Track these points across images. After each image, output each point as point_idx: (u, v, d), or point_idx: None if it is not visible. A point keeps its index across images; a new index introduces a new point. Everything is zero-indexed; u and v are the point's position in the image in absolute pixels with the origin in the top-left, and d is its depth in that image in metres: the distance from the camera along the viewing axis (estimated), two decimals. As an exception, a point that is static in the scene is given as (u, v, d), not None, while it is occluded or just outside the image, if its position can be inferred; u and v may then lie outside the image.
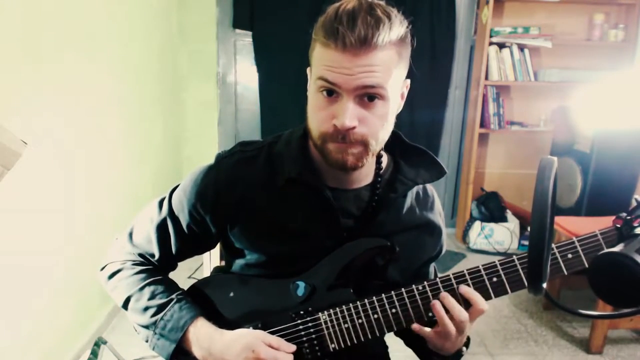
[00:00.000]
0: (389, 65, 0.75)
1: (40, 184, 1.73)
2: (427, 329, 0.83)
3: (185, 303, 0.89)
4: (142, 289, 0.91)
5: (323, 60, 0.76)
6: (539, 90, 3.54)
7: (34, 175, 1.66)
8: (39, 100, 1.69)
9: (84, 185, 2.05)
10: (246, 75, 3.53)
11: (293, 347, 0.84)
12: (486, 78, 3.36)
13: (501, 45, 3.37)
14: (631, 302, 0.61)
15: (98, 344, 1.62)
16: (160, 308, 0.89)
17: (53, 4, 1.76)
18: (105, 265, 0.98)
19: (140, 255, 0.96)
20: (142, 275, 0.93)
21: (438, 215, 0.98)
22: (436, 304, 0.81)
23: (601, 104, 2.92)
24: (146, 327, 0.90)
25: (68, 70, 1.88)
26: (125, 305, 0.93)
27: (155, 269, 0.96)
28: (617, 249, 0.65)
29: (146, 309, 0.90)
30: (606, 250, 0.67)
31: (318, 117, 0.79)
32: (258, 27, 3.36)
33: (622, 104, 2.88)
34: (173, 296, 0.90)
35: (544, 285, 0.62)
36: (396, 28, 0.75)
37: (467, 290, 0.81)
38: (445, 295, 0.82)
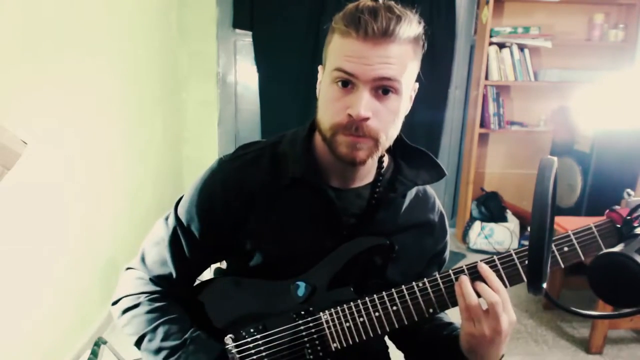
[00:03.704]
0: (405, 60, 0.77)
1: (40, 184, 1.73)
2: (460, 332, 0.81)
3: (199, 344, 0.86)
4: (155, 329, 0.88)
5: (341, 51, 0.76)
6: (539, 90, 3.54)
7: (34, 175, 1.66)
8: (39, 100, 1.69)
9: (84, 185, 2.05)
10: (246, 75, 3.53)
11: None
12: (486, 78, 3.36)
13: (501, 45, 3.37)
14: (631, 302, 0.62)
15: (98, 344, 1.62)
16: (174, 350, 0.86)
17: (53, 4, 1.76)
18: (120, 299, 0.94)
19: (157, 277, 0.94)
20: (156, 314, 0.90)
21: (439, 215, 0.98)
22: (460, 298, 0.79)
23: (601, 104, 2.93)
24: None
25: (68, 70, 1.88)
26: (139, 344, 0.91)
27: (171, 304, 0.93)
28: (617, 249, 0.65)
29: (159, 350, 0.87)
30: (606, 250, 0.67)
31: (332, 108, 0.79)
32: (258, 27, 3.36)
33: (622, 104, 2.88)
34: (187, 336, 0.87)
35: (544, 285, 0.62)
36: (414, 25, 0.77)
37: (485, 269, 0.79)
38: (463, 279, 0.79)
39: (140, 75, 2.65)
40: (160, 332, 0.88)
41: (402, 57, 0.76)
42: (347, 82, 0.77)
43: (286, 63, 3.32)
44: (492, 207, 3.48)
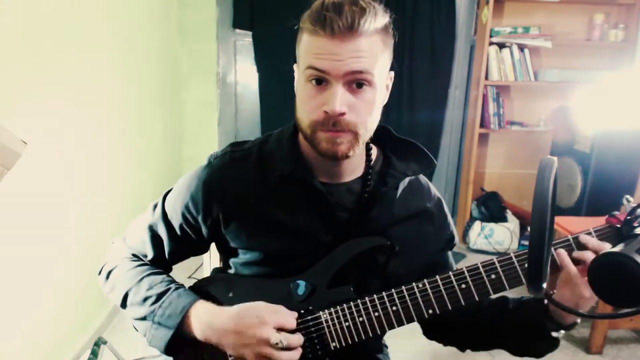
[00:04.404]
0: (375, 52, 0.78)
1: (40, 184, 1.73)
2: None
3: (184, 290, 0.90)
4: (140, 281, 0.92)
5: (311, 49, 0.78)
6: (539, 90, 3.54)
7: (33, 176, 1.66)
8: (39, 100, 1.69)
9: (84, 185, 2.05)
10: (246, 75, 3.53)
11: (294, 317, 0.85)
12: (486, 78, 3.36)
13: (501, 45, 3.37)
14: (631, 302, 0.62)
15: (98, 344, 1.63)
16: (159, 296, 0.89)
17: (53, 4, 1.76)
18: (102, 268, 0.99)
19: (135, 255, 0.98)
20: (140, 269, 0.94)
21: (435, 202, 0.98)
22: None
23: (601, 104, 2.92)
24: (144, 318, 0.90)
25: (68, 70, 1.88)
26: (124, 302, 0.93)
27: (151, 265, 0.97)
28: (617, 249, 0.65)
29: (145, 299, 0.90)
30: (606, 250, 0.67)
31: (308, 106, 0.80)
32: (258, 27, 3.36)
33: (622, 104, 2.87)
34: (172, 285, 0.91)
35: (544, 285, 0.62)
36: (380, 16, 0.78)
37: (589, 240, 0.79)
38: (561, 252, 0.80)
39: (140, 75, 2.65)
40: (145, 283, 0.91)
41: (371, 49, 0.77)
42: (321, 80, 0.78)
43: (286, 63, 3.30)
44: (492, 207, 3.47)
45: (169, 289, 0.89)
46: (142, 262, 0.96)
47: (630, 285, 0.60)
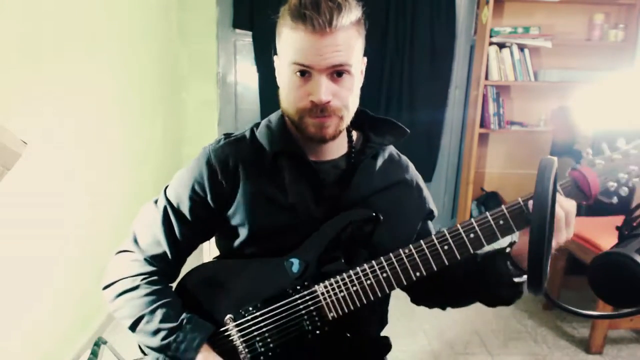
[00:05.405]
0: (352, 43, 0.86)
1: (40, 184, 1.73)
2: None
3: (194, 324, 0.91)
4: (153, 311, 0.91)
5: (294, 45, 0.86)
6: (539, 90, 3.54)
7: (33, 176, 1.66)
8: (39, 100, 1.69)
9: (84, 185, 2.05)
10: (246, 75, 3.53)
11: None
12: (486, 78, 3.36)
13: (501, 45, 3.37)
14: (631, 302, 0.62)
15: (98, 344, 1.62)
16: (172, 331, 0.90)
17: (53, 3, 1.76)
18: (114, 282, 0.97)
19: (151, 258, 0.96)
20: (154, 297, 0.93)
21: (412, 176, 1.05)
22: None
23: (601, 104, 2.92)
24: (157, 349, 0.91)
25: (68, 70, 1.88)
26: (134, 326, 0.93)
27: (166, 287, 0.97)
28: (617, 249, 0.65)
29: (157, 331, 0.90)
30: (606, 250, 0.67)
31: (294, 95, 0.89)
32: (258, 27, 3.36)
33: (622, 104, 2.87)
34: (182, 317, 0.91)
35: (544, 285, 0.62)
36: (354, 10, 0.86)
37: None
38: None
39: (140, 75, 2.65)
40: (159, 314, 0.92)
41: (348, 41, 0.85)
42: (304, 72, 0.86)
43: (286, 63, 3.31)
44: (492, 207, 3.44)
45: (181, 323, 0.91)
46: (157, 287, 0.95)
47: (630, 285, 0.60)
